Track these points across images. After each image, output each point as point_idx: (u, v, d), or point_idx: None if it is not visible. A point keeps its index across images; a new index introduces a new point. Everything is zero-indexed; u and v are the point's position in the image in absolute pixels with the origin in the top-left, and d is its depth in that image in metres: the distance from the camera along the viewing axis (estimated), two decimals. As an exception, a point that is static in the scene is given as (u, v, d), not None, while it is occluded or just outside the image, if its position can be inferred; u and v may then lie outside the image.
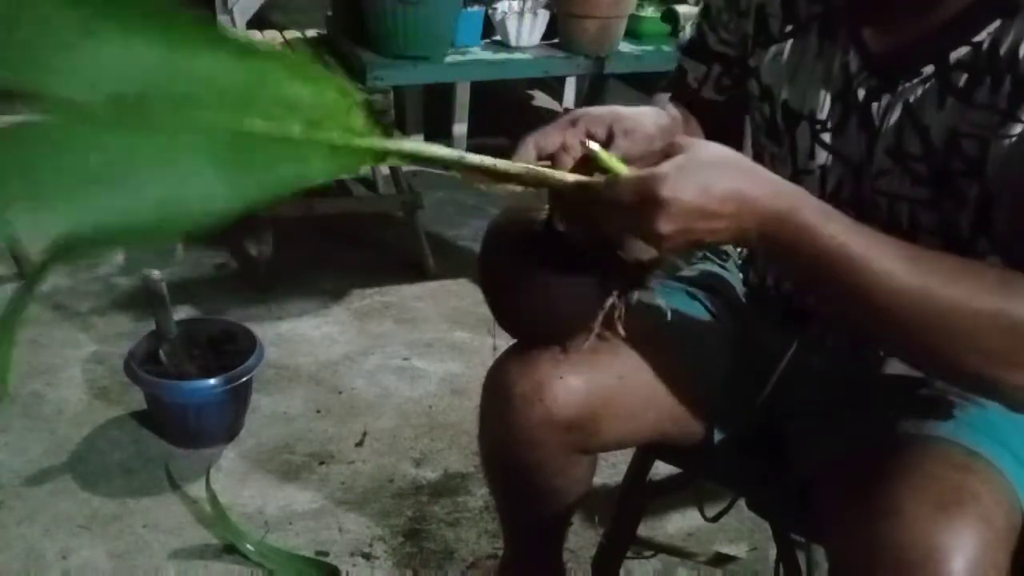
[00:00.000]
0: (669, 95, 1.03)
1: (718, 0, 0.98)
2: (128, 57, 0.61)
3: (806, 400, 0.96)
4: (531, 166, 0.75)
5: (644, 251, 0.82)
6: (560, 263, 0.81)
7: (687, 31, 1.05)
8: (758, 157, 0.96)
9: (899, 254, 0.69)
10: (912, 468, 0.73)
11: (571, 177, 0.73)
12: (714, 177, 0.68)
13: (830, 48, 0.87)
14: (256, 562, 1.46)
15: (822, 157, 0.88)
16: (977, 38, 0.76)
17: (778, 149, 0.93)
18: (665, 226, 0.67)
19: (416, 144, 0.71)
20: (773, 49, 0.92)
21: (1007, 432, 0.79)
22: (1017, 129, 0.73)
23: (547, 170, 0.74)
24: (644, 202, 0.67)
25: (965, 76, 0.77)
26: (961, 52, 0.77)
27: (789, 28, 0.90)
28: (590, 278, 0.83)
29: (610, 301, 0.85)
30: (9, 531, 1.50)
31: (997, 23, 0.74)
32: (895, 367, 0.92)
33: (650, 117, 0.85)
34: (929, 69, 0.79)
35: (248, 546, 1.48)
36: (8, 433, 1.74)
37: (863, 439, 0.84)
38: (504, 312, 0.88)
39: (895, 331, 0.71)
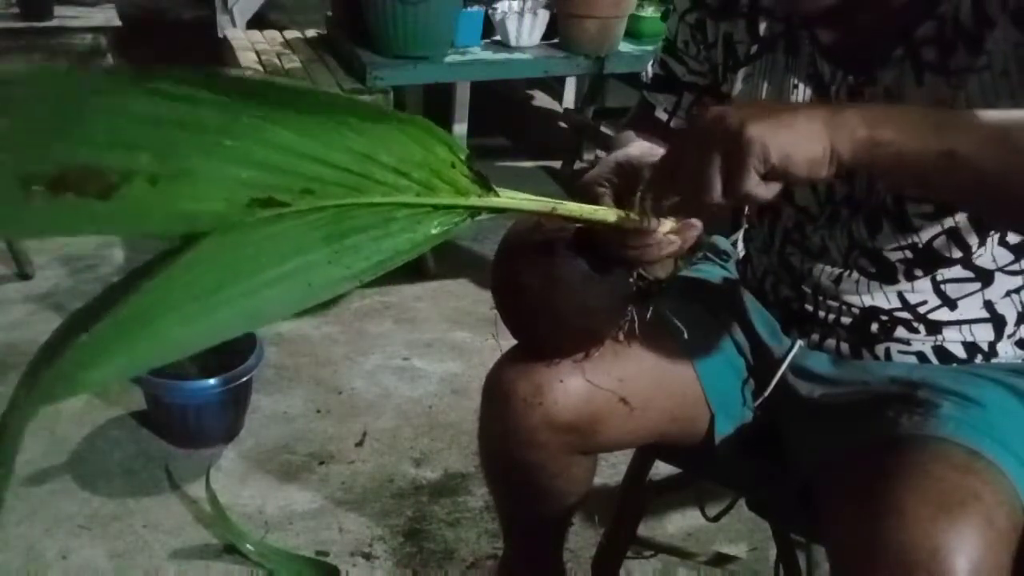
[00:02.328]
0: (632, 131, 1.03)
1: (684, 34, 0.99)
2: (263, 150, 0.59)
3: (806, 400, 0.96)
4: (622, 212, 0.77)
5: (663, 269, 0.85)
6: (581, 276, 0.82)
7: (649, 69, 1.05)
8: None
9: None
10: (913, 468, 0.73)
11: (667, 224, 0.77)
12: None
13: (794, 63, 0.88)
14: (256, 562, 1.46)
15: None
16: (939, 10, 0.77)
17: None
18: (733, 114, 0.66)
19: (511, 200, 0.70)
20: (743, 72, 0.93)
21: (1008, 432, 0.79)
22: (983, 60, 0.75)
23: (633, 215, 0.77)
24: (715, 120, 0.67)
25: (935, 49, 0.78)
26: (926, 27, 0.78)
27: (755, 49, 0.92)
28: (609, 292, 0.84)
29: (628, 316, 0.86)
30: (9, 531, 1.50)
31: None
32: (895, 368, 0.92)
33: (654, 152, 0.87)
34: (900, 52, 0.80)
35: (248, 546, 1.48)
36: (8, 433, 1.74)
37: (863, 439, 0.84)
38: (520, 319, 0.88)
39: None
